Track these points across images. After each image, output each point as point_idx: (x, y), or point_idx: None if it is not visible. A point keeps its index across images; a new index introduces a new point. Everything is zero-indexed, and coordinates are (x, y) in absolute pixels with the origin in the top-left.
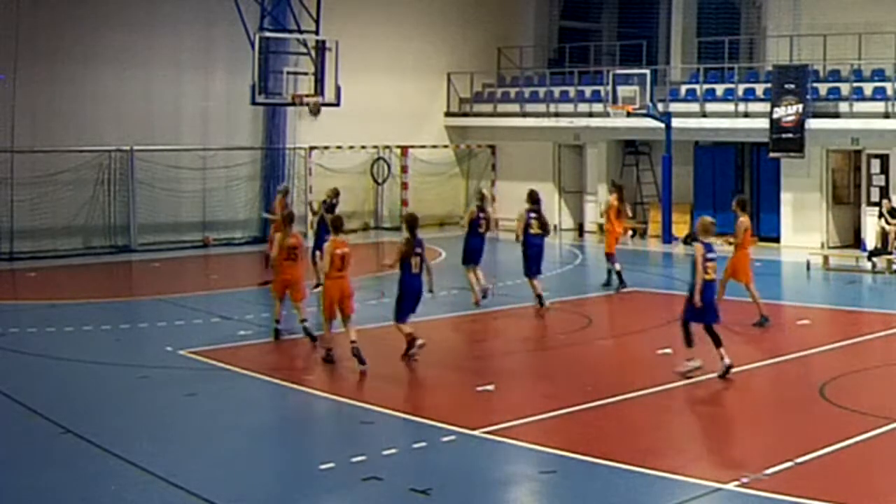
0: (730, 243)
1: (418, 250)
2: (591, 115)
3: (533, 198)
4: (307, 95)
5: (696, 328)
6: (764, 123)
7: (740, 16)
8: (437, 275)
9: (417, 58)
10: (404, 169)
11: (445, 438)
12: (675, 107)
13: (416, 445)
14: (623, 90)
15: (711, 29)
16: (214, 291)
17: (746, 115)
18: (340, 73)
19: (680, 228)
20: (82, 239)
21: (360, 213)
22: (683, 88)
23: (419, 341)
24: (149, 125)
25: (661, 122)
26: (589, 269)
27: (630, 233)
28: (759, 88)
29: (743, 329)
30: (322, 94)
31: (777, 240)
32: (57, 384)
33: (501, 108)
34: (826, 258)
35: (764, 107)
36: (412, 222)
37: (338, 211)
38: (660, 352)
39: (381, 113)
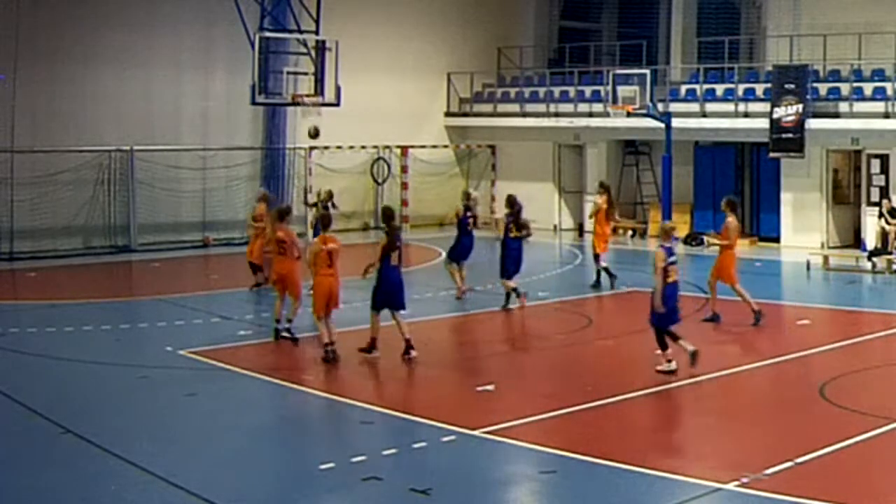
0: (713, 244)
1: (398, 243)
2: (591, 115)
3: (511, 202)
4: (307, 95)
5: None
6: (764, 123)
7: (740, 16)
8: (437, 275)
9: (417, 58)
10: (404, 169)
11: (445, 438)
12: (675, 107)
13: (416, 445)
14: (623, 90)
15: (711, 29)
16: (214, 291)
17: (746, 115)
18: (340, 73)
19: (680, 228)
20: (82, 239)
21: (360, 213)
22: (683, 88)
23: (376, 353)
24: (149, 125)
25: (661, 122)
26: (589, 269)
27: (630, 233)
28: (759, 88)
29: (742, 329)
30: (322, 94)
31: (777, 240)
32: (57, 384)
33: (501, 108)
34: (826, 258)
35: (764, 107)
36: (390, 215)
37: (338, 211)
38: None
39: (381, 113)
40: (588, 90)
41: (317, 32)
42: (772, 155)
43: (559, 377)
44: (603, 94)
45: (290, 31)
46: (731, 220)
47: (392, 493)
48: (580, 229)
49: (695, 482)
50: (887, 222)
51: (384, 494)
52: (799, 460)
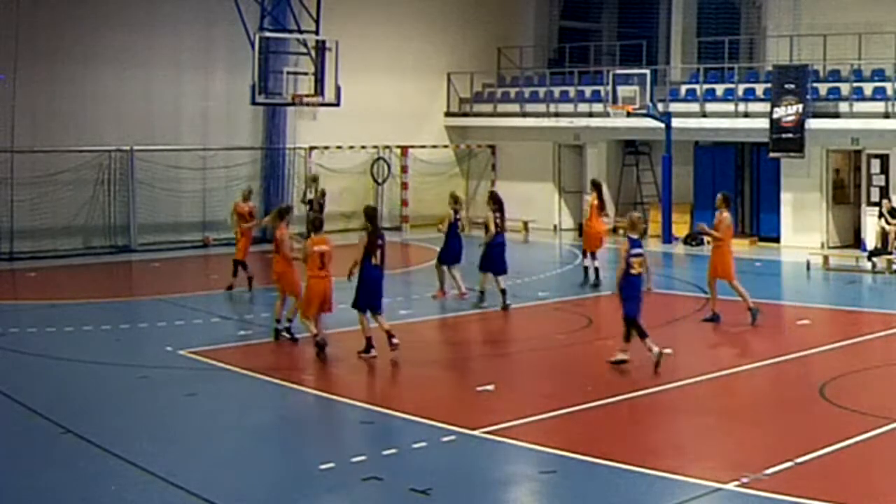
0: (704, 231)
1: (380, 242)
2: (591, 115)
3: (494, 199)
4: (307, 95)
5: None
6: (764, 123)
7: (740, 16)
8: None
9: (417, 58)
10: (404, 169)
11: (445, 438)
12: (675, 107)
13: (416, 445)
14: (623, 90)
15: (711, 29)
16: (214, 291)
17: (746, 115)
18: (340, 73)
19: (680, 228)
20: (82, 239)
21: (360, 213)
22: (683, 88)
23: (373, 352)
24: (149, 125)
25: (661, 122)
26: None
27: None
28: (759, 88)
29: (742, 329)
30: (322, 94)
31: (777, 240)
32: (57, 384)
33: (501, 108)
34: (826, 258)
35: (764, 107)
36: (372, 214)
37: (338, 211)
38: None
39: (381, 113)
40: (588, 90)
41: (317, 32)
42: (772, 155)
43: (559, 377)
44: (603, 94)
45: (290, 31)
46: (726, 215)
47: (392, 493)
48: (580, 229)
49: (695, 482)
50: (887, 222)
51: (384, 494)
52: (799, 460)
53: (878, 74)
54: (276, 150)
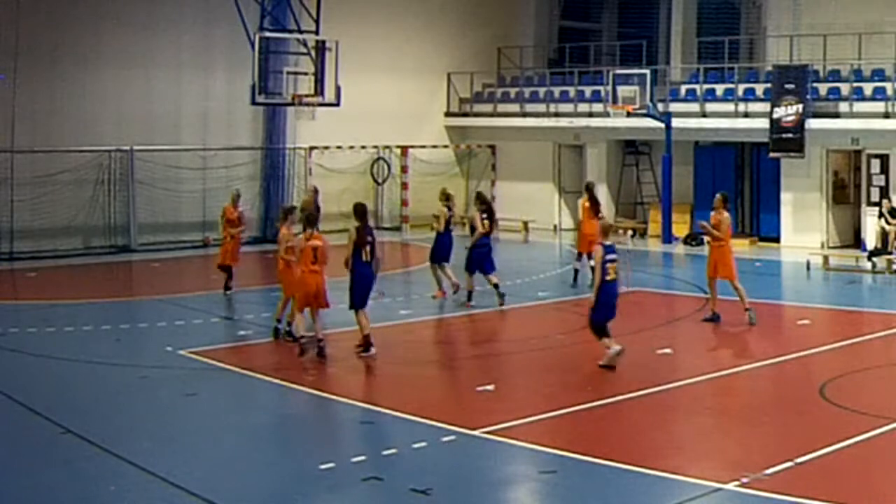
0: (704, 228)
1: (369, 239)
2: (591, 115)
3: (482, 199)
4: (307, 95)
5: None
6: (764, 123)
7: (740, 16)
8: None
9: (417, 58)
10: (404, 169)
11: (445, 438)
12: (675, 107)
13: (416, 445)
14: (623, 90)
15: (711, 29)
16: (214, 291)
17: (746, 115)
18: (340, 73)
19: (680, 228)
20: (82, 239)
21: None
22: (683, 88)
23: (373, 350)
24: (149, 125)
25: (661, 122)
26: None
27: (630, 233)
28: (759, 88)
29: (742, 329)
30: (322, 94)
31: (777, 240)
32: (57, 384)
33: (501, 108)
34: (826, 258)
35: (764, 107)
36: (362, 210)
37: (339, 211)
38: (660, 352)
39: (381, 113)
40: (588, 90)
41: (317, 32)
42: (772, 155)
43: (559, 377)
44: (603, 94)
45: (290, 31)
46: (726, 215)
47: (392, 493)
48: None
49: (695, 482)
50: (887, 222)
51: (384, 494)
52: (799, 460)
53: (878, 74)
54: (276, 150)
